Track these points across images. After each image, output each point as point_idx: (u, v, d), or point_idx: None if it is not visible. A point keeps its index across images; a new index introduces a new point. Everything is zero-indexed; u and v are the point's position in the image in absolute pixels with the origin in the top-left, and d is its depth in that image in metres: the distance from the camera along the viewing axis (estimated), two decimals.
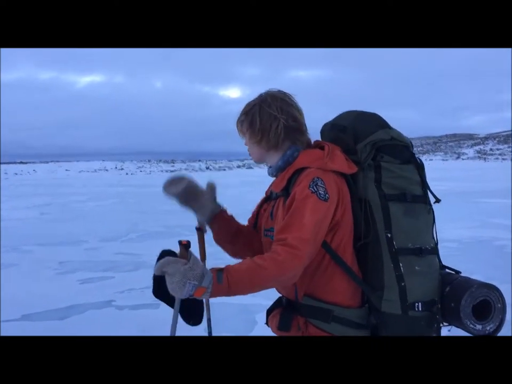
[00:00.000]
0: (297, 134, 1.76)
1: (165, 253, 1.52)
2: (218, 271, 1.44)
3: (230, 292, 1.45)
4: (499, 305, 1.66)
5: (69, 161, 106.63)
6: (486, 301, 1.64)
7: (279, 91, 1.80)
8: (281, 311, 1.75)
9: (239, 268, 1.47)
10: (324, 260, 1.67)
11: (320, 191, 1.59)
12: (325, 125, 1.91)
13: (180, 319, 1.64)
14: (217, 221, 1.90)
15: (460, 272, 1.81)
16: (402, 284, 1.62)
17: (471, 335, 1.64)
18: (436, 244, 1.76)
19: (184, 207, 1.89)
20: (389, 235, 1.63)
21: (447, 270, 1.81)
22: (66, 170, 77.09)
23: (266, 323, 1.89)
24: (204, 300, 1.80)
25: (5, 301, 5.24)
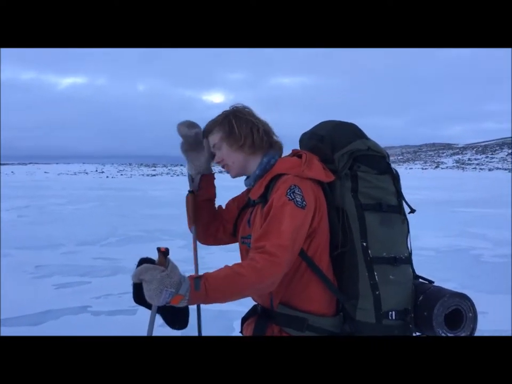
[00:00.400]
0: (274, 137, 1.84)
1: (143, 261, 1.51)
2: (196, 279, 1.44)
3: (207, 299, 1.45)
4: (470, 314, 1.68)
5: (48, 164, 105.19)
6: (457, 310, 1.66)
7: (244, 106, 1.87)
8: (256, 319, 1.75)
9: (217, 275, 1.47)
10: (300, 268, 1.67)
11: (297, 199, 1.60)
12: (304, 134, 1.93)
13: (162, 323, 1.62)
14: (205, 181, 1.97)
15: (433, 282, 1.83)
16: (377, 293, 1.64)
17: None
18: (410, 254, 1.79)
19: (183, 153, 1.96)
20: (365, 244, 1.65)
21: (420, 280, 1.83)
22: (45, 172, 75.97)
23: (241, 331, 1.89)
24: (195, 306, 1.78)
25: None
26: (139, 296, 1.49)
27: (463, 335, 1.67)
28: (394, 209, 1.74)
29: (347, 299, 1.65)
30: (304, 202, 1.61)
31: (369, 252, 1.65)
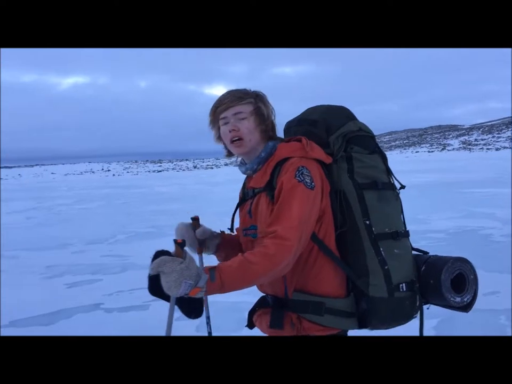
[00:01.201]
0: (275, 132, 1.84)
1: (160, 253, 1.52)
2: (211, 270, 1.47)
3: (223, 289, 1.47)
4: (472, 276, 1.75)
5: (55, 164, 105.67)
6: (460, 274, 1.73)
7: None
8: (271, 310, 1.74)
9: (231, 265, 1.49)
10: (312, 252, 1.68)
11: (306, 180, 1.62)
12: (291, 122, 1.93)
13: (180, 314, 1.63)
14: (223, 249, 1.93)
15: (428, 252, 1.88)
16: (386, 268, 1.68)
17: (449, 309, 1.76)
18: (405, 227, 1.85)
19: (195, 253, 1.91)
20: (368, 222, 1.69)
21: (414, 252, 1.87)
22: (52, 173, 76.36)
23: (249, 325, 1.88)
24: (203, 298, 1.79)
25: None
26: (155, 288, 1.50)
27: (468, 297, 1.73)
28: (388, 186, 1.79)
29: (358, 277, 1.68)
30: (313, 183, 1.63)
31: (373, 229, 1.69)
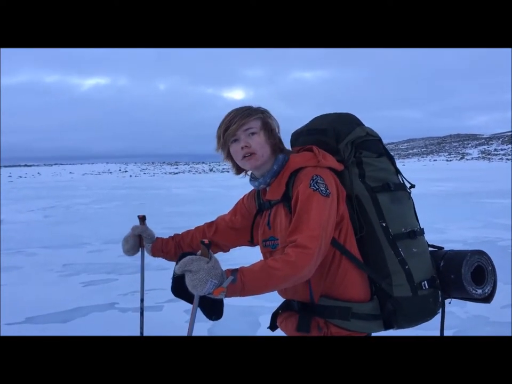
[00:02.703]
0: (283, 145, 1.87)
1: (186, 254, 1.56)
2: (233, 271, 1.50)
3: (243, 292, 1.50)
4: (490, 268, 1.79)
5: (73, 164, 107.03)
6: (479, 267, 1.77)
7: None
8: (298, 315, 1.76)
9: (252, 268, 1.53)
10: (334, 258, 1.71)
11: (321, 188, 1.64)
12: (299, 133, 1.96)
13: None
14: (157, 253, 2.14)
15: (443, 248, 1.91)
16: (406, 267, 1.71)
17: (471, 301, 1.81)
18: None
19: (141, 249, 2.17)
20: (384, 224, 1.72)
21: (430, 248, 1.90)
22: (70, 173, 77.31)
23: (271, 327, 1.91)
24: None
25: (8, 304, 5.24)
26: (178, 288, 1.57)
27: (488, 288, 1.77)
28: (399, 187, 1.82)
29: (381, 279, 1.71)
30: (328, 191, 1.65)
31: (390, 230, 1.72)
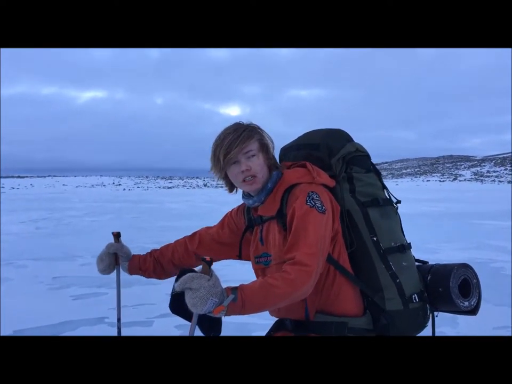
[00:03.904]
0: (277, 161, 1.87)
1: (185, 271, 1.54)
2: (233, 290, 1.49)
3: (243, 311, 1.49)
4: (474, 280, 1.83)
5: (67, 176, 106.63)
6: (464, 280, 1.81)
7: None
8: (293, 333, 1.75)
9: (252, 287, 1.52)
10: (329, 273, 1.71)
11: (317, 205, 1.65)
12: (288, 148, 1.96)
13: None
14: (135, 266, 2.08)
15: (427, 262, 1.95)
16: (398, 281, 1.73)
17: (458, 314, 1.84)
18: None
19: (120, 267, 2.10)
20: (375, 238, 1.74)
21: (416, 263, 1.92)
22: (64, 185, 76.97)
23: None
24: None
25: None
26: (176, 306, 1.57)
27: (474, 300, 1.80)
28: (387, 202, 1.84)
29: (375, 293, 1.70)
30: (324, 207, 1.66)
31: (381, 244, 1.74)
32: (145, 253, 2.11)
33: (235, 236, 1.97)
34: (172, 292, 1.59)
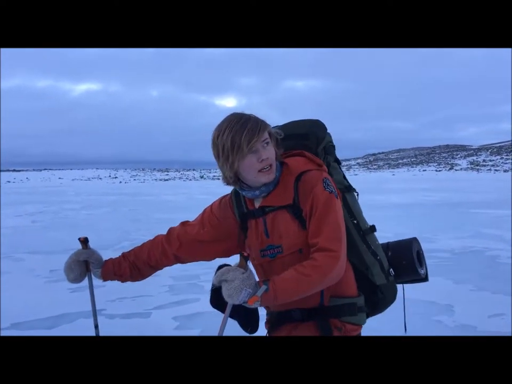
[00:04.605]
0: None
1: (222, 266, 1.63)
2: (264, 281, 1.57)
3: (276, 300, 1.57)
4: (422, 251, 2.04)
5: (63, 169, 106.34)
6: (417, 252, 2.00)
7: None
8: (315, 321, 1.74)
9: (283, 277, 1.58)
10: None
11: (333, 190, 1.70)
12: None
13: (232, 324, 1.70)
14: (108, 270, 1.99)
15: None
16: (378, 258, 1.87)
17: (413, 283, 2.01)
18: None
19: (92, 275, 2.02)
20: (355, 221, 1.86)
21: None
22: (60, 178, 76.78)
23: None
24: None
25: None
26: (215, 300, 1.65)
27: (425, 267, 2.01)
28: (352, 188, 1.93)
29: (366, 271, 1.84)
30: (336, 192, 1.72)
31: (361, 226, 1.86)
32: (116, 257, 2.01)
33: (217, 232, 1.89)
34: (212, 287, 1.65)
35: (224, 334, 1.63)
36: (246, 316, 1.71)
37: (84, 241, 1.98)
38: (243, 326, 1.76)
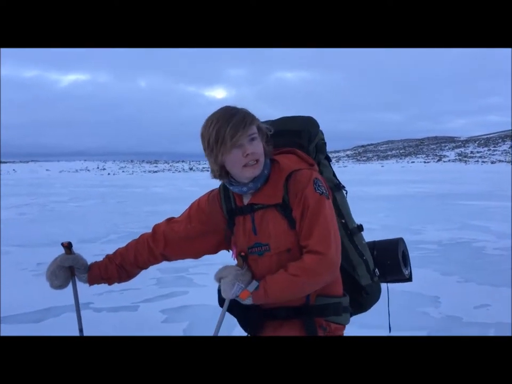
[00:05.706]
0: None
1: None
2: (256, 281, 1.65)
3: (267, 299, 1.64)
4: (407, 252, 2.04)
5: (50, 161, 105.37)
6: (402, 252, 2.01)
7: None
8: (301, 320, 1.72)
9: (274, 277, 1.64)
10: None
11: (324, 191, 1.68)
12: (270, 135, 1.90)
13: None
14: (95, 274, 1.96)
15: None
16: (364, 258, 1.87)
17: (398, 282, 2.01)
18: None
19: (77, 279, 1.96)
20: (343, 221, 1.86)
21: None
22: (47, 170, 76.12)
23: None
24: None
25: None
26: (220, 299, 1.74)
27: (410, 268, 2.02)
28: (341, 186, 1.93)
29: (352, 271, 1.85)
30: (326, 192, 1.69)
31: (348, 226, 1.86)
32: (100, 261, 1.97)
33: (205, 227, 1.86)
34: (218, 288, 1.72)
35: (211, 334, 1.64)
36: (245, 315, 1.76)
37: (68, 246, 1.91)
38: (243, 325, 1.81)
